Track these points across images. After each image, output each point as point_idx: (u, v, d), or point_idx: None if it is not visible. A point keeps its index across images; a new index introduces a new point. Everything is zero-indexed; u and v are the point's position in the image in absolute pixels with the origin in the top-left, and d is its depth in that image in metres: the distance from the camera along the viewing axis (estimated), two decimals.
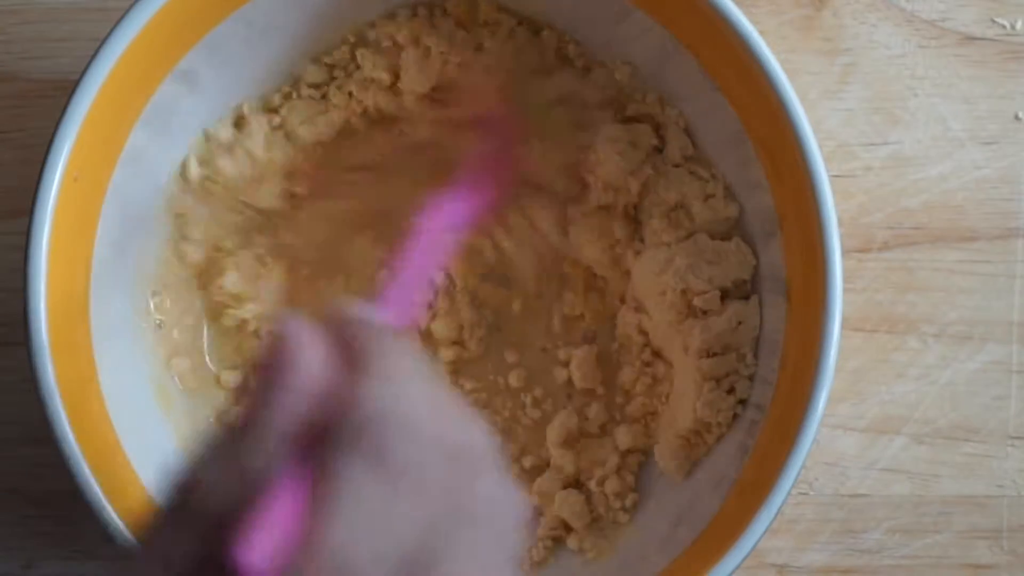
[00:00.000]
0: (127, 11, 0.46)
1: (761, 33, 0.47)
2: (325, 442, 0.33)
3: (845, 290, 0.46)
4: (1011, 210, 0.56)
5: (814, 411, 0.46)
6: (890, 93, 0.56)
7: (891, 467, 0.56)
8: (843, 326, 0.46)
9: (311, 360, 0.33)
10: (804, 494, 0.56)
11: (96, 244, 0.48)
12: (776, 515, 0.45)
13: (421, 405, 0.34)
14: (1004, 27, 0.56)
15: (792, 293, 0.49)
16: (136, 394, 0.51)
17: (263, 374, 0.34)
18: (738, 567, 0.46)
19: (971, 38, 0.56)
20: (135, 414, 0.50)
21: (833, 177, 0.49)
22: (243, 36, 0.50)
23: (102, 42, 0.46)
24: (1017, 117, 0.56)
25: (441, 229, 0.48)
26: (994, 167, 0.56)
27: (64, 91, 0.46)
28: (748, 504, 0.46)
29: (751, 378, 0.50)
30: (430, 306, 0.54)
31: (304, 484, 0.32)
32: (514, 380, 0.55)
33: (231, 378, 0.54)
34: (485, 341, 0.55)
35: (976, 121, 0.56)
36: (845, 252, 0.52)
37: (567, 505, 0.53)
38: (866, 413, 0.56)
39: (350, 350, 0.34)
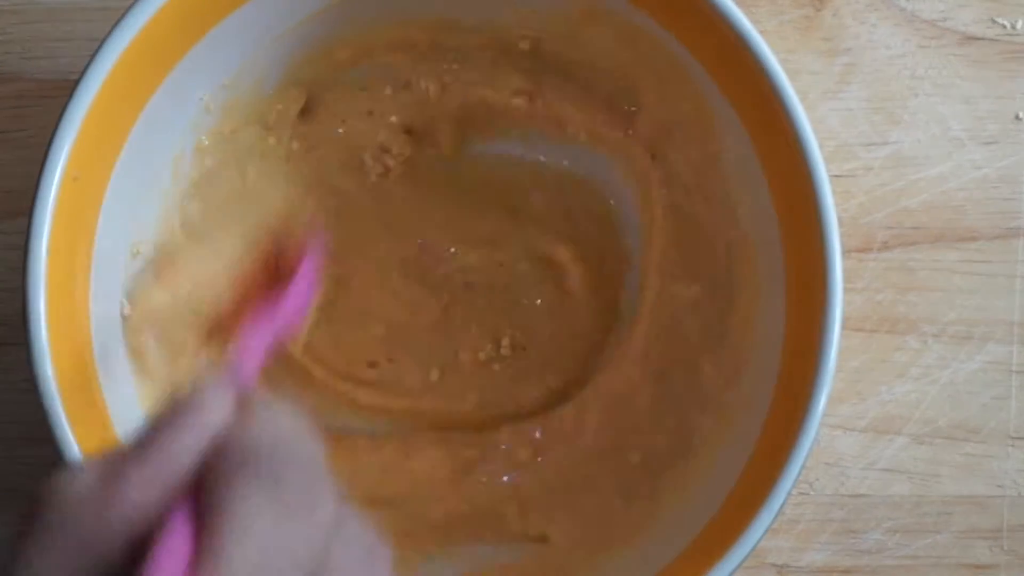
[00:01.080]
0: (127, 11, 0.46)
1: (761, 33, 0.47)
2: (217, 471, 0.33)
3: (845, 290, 0.46)
4: (1011, 210, 0.56)
5: (814, 411, 0.46)
6: (890, 93, 0.56)
7: (891, 467, 0.56)
8: (843, 326, 0.46)
9: (217, 405, 0.34)
10: (804, 494, 0.56)
11: (96, 244, 0.48)
12: (776, 515, 0.45)
13: (304, 436, 0.35)
14: (1004, 27, 0.56)
15: (792, 293, 0.49)
16: (136, 394, 0.51)
17: (168, 415, 0.34)
18: (738, 567, 0.46)
19: (971, 38, 0.56)
20: (136, 414, 0.50)
21: (833, 177, 0.49)
22: (245, 35, 0.50)
23: (102, 42, 0.46)
24: (1017, 117, 0.56)
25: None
26: (994, 167, 0.56)
27: (64, 91, 0.46)
28: (748, 504, 0.46)
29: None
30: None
31: (193, 517, 0.32)
32: None
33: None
34: None
35: (976, 121, 0.56)
36: (845, 252, 0.52)
37: None
38: (866, 413, 0.56)
39: (243, 392, 0.36)
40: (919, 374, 0.56)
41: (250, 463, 0.33)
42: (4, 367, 0.55)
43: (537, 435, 0.55)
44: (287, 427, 0.35)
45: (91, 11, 0.55)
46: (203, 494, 0.33)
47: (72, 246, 0.47)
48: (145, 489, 0.33)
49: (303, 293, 0.47)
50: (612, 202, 0.56)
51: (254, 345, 0.41)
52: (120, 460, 0.33)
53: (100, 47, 0.46)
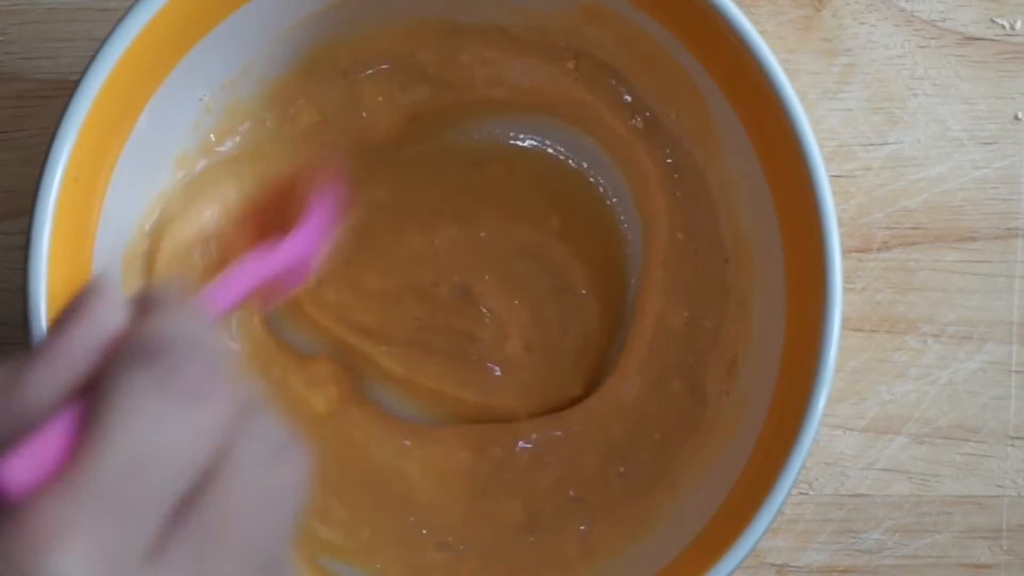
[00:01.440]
0: (128, 11, 0.46)
1: (761, 33, 0.47)
2: (111, 365, 0.34)
3: (845, 290, 0.46)
4: (1011, 210, 0.56)
5: (814, 411, 0.46)
6: (890, 93, 0.56)
7: (891, 467, 0.56)
8: (843, 326, 0.46)
9: (107, 307, 0.35)
10: (804, 494, 0.56)
11: (96, 244, 0.48)
12: (776, 515, 0.45)
13: (206, 334, 0.36)
14: (1004, 27, 0.57)
15: (792, 293, 0.49)
16: None
17: (61, 319, 0.35)
18: (738, 567, 0.46)
19: (971, 38, 0.56)
20: None
21: (833, 177, 0.49)
22: (245, 36, 0.50)
23: (103, 42, 0.46)
24: (1016, 117, 0.56)
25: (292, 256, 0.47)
26: (993, 167, 0.56)
27: (64, 91, 0.46)
28: (748, 504, 0.46)
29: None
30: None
31: (77, 413, 0.33)
32: None
33: None
34: None
35: (975, 121, 0.56)
36: (845, 252, 0.52)
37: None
38: (866, 413, 0.56)
39: (152, 302, 0.36)
40: (919, 374, 0.56)
41: (142, 355, 0.34)
42: None
43: (534, 437, 0.55)
44: (187, 325, 0.35)
45: (92, 11, 0.55)
46: (95, 389, 0.33)
47: (73, 247, 0.47)
48: (39, 389, 0.33)
49: (308, 242, 0.47)
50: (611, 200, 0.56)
51: (235, 281, 0.42)
52: (21, 365, 0.34)
53: (101, 47, 0.46)
